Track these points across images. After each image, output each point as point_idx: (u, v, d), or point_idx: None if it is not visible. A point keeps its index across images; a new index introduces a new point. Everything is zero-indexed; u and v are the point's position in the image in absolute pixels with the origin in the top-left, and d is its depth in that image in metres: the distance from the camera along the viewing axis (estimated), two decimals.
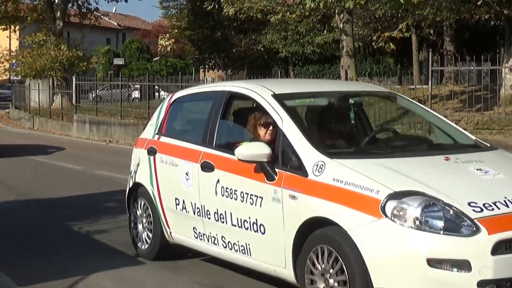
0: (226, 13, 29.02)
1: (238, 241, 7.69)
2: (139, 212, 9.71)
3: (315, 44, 45.58)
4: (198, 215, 8.26)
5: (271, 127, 7.83)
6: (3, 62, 45.40)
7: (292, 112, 7.74)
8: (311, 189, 6.69)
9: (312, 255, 6.58)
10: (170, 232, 8.87)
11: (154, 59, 72.20)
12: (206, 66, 55.28)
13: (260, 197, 7.26)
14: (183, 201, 8.58)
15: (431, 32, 35.14)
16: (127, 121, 27.84)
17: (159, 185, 9.13)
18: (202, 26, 50.27)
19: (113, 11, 79.15)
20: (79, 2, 43.50)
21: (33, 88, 40.50)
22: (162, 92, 38.26)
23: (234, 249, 7.75)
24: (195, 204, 8.33)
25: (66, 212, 13.03)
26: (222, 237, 7.97)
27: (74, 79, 36.44)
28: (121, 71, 55.52)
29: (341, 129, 8.38)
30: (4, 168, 19.55)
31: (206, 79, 52.55)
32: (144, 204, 9.55)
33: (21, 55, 42.37)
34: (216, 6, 30.22)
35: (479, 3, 20.05)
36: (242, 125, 8.66)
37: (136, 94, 37.54)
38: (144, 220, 9.50)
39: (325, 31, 43.18)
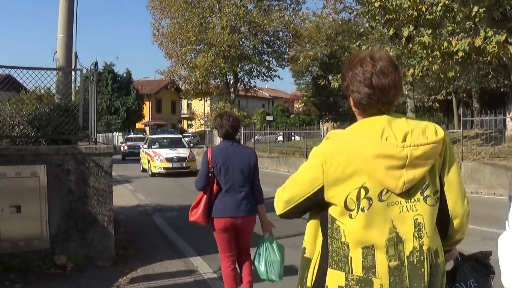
0: (333, 86, 29.20)
1: None
2: None
3: None
4: None
5: None
6: (199, 120, 46.90)
7: None
8: None
9: None
10: None
11: (291, 116, 72.67)
12: (323, 120, 55.35)
13: None
14: None
15: (464, 95, 34.40)
16: (272, 155, 28.21)
17: None
18: (320, 94, 50.48)
19: (266, 87, 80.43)
20: (244, 82, 44.26)
21: (217, 135, 41.49)
22: (296, 137, 38.53)
23: None
24: None
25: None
26: None
27: (242, 129, 37.21)
28: (271, 124, 56.31)
29: None
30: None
31: (323, 128, 52.56)
32: None
33: (210, 116, 43.76)
34: (327, 82, 30.43)
35: (489, 76, 19.68)
36: None
37: (280, 138, 37.88)
38: None
39: None
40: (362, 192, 2.13)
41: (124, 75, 62.65)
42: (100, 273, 7.13)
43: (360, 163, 2.13)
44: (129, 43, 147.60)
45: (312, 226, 2.33)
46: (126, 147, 38.68)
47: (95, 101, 8.00)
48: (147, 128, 62.18)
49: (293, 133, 38.41)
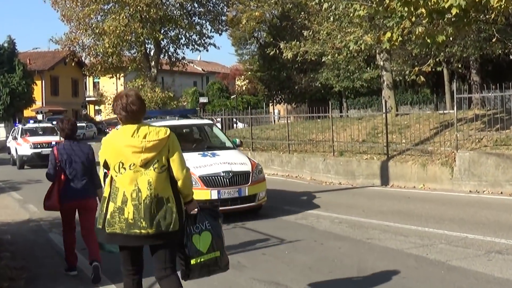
0: (286, 57, 28.72)
1: None
2: None
3: (363, 80, 45.15)
4: None
5: None
6: (110, 104, 46.13)
7: None
8: None
9: None
10: None
11: (232, 96, 72.62)
12: (274, 101, 55.39)
13: None
14: None
15: (459, 66, 34.65)
16: None
17: None
18: (269, 68, 50.38)
19: (198, 59, 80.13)
20: (169, 53, 44.05)
21: None
22: (239, 124, 38.31)
23: None
24: None
25: None
26: None
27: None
28: (206, 107, 55.99)
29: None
30: None
31: (274, 112, 52.60)
32: None
33: None
34: (277, 51, 29.95)
35: (493, 40, 19.73)
36: None
37: (218, 125, 37.67)
38: None
39: (370, 69, 42.73)
40: (121, 164, 5.27)
41: (6, 45, 61.05)
42: None
43: (118, 149, 5.29)
44: (12, 1, 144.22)
45: (108, 180, 5.46)
46: (28, 146, 30.84)
47: None
48: (39, 116, 60.63)
49: (234, 119, 38.24)
